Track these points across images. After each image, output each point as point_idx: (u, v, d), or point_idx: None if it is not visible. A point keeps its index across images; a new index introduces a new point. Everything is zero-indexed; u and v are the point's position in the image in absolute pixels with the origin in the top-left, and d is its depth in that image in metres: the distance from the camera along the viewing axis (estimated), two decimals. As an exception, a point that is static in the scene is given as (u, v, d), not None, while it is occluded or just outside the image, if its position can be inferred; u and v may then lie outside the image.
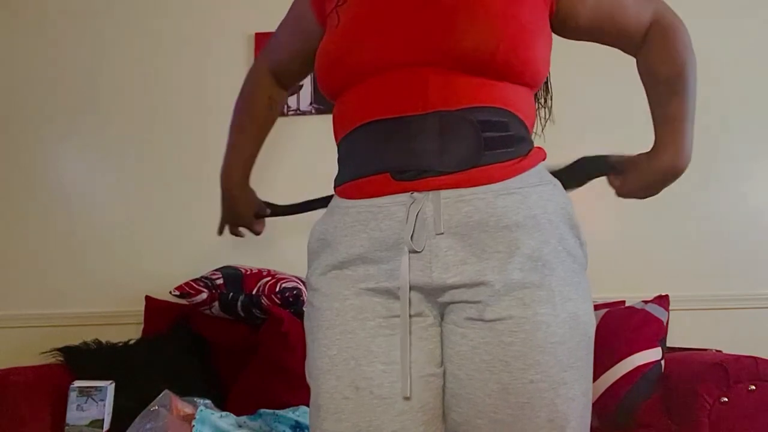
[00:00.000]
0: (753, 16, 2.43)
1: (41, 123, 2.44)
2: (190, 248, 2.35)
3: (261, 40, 2.43)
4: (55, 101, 2.45)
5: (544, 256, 0.93)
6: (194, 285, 2.03)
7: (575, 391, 0.93)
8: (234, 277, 2.10)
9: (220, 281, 2.06)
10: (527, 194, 0.95)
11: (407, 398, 0.93)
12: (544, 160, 1.03)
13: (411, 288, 0.94)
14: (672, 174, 1.09)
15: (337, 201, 1.04)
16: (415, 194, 0.94)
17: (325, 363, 0.95)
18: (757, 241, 2.35)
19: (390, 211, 0.95)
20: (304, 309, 1.07)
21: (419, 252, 0.93)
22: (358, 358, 0.93)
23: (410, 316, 0.94)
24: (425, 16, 0.98)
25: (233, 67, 2.44)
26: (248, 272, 2.12)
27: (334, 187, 1.06)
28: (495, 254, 0.92)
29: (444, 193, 0.93)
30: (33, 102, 2.45)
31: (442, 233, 0.92)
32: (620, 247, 2.32)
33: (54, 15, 2.48)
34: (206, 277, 2.07)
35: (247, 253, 2.17)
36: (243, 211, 1.30)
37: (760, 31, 2.43)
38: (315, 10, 1.14)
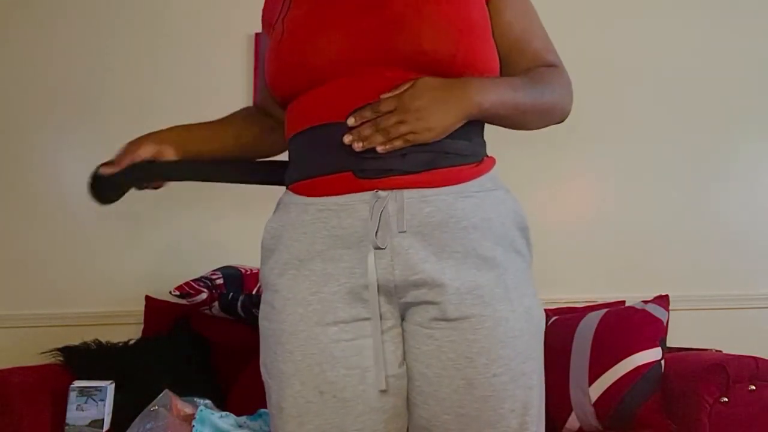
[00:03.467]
0: (760, 16, 2.43)
1: (40, 122, 2.44)
2: (190, 248, 2.35)
3: (261, 40, 2.43)
4: (55, 101, 2.44)
5: (498, 256, 0.97)
6: (194, 285, 2.03)
7: (533, 380, 0.98)
8: (234, 277, 2.10)
9: (220, 281, 2.06)
10: (483, 198, 0.99)
11: (383, 391, 0.96)
12: (495, 165, 1.05)
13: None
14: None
15: (291, 197, 1.04)
16: (380, 192, 0.95)
17: (290, 367, 0.97)
18: (758, 241, 2.35)
19: (354, 208, 0.96)
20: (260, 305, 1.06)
21: (383, 249, 0.95)
22: (321, 363, 0.96)
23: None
24: (375, 20, 0.98)
25: (233, 67, 2.45)
26: (248, 272, 2.12)
27: (288, 184, 1.06)
28: (453, 254, 0.96)
29: (407, 192, 0.95)
30: (32, 102, 2.45)
31: (405, 231, 0.95)
32: (620, 247, 2.32)
33: (53, 15, 2.48)
34: (206, 277, 2.07)
35: (247, 253, 2.17)
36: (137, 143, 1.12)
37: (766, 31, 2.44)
38: (264, 27, 1.16)
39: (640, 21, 2.43)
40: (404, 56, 0.97)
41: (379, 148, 0.93)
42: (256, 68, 2.42)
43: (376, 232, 0.95)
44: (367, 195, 0.96)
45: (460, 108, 0.94)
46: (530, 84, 1.02)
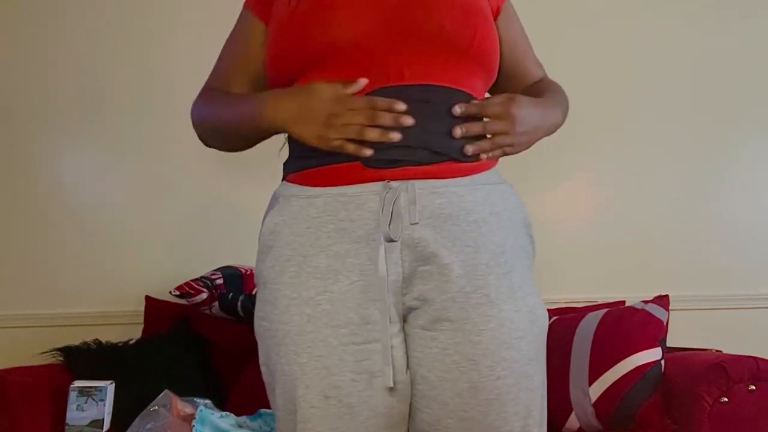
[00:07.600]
0: (758, 16, 2.43)
1: (40, 122, 2.44)
2: (190, 248, 2.35)
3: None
4: (55, 101, 2.44)
5: (506, 252, 0.96)
6: (194, 285, 2.03)
7: (536, 381, 0.96)
8: (234, 277, 2.10)
9: (220, 281, 2.06)
10: (490, 191, 0.98)
11: (391, 389, 0.93)
12: (497, 161, 1.06)
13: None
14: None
15: (291, 189, 0.99)
16: (392, 183, 0.93)
17: (294, 370, 0.93)
18: (757, 241, 2.35)
19: (362, 200, 0.93)
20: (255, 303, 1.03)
21: (395, 242, 0.92)
22: (329, 366, 0.92)
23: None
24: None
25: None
26: (248, 272, 2.12)
27: (288, 173, 1.02)
28: (464, 248, 0.94)
29: (418, 183, 0.93)
30: (32, 101, 2.44)
31: (417, 223, 0.93)
32: (620, 247, 2.32)
33: (52, 13, 2.48)
34: (206, 277, 2.07)
35: (247, 253, 2.17)
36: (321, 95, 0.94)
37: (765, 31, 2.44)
38: (254, 8, 1.09)
39: (639, 20, 2.43)
40: (425, 35, 0.96)
41: (476, 152, 0.96)
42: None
43: (389, 224, 0.92)
44: (376, 186, 0.93)
45: (536, 140, 1.03)
46: (560, 109, 1.10)
